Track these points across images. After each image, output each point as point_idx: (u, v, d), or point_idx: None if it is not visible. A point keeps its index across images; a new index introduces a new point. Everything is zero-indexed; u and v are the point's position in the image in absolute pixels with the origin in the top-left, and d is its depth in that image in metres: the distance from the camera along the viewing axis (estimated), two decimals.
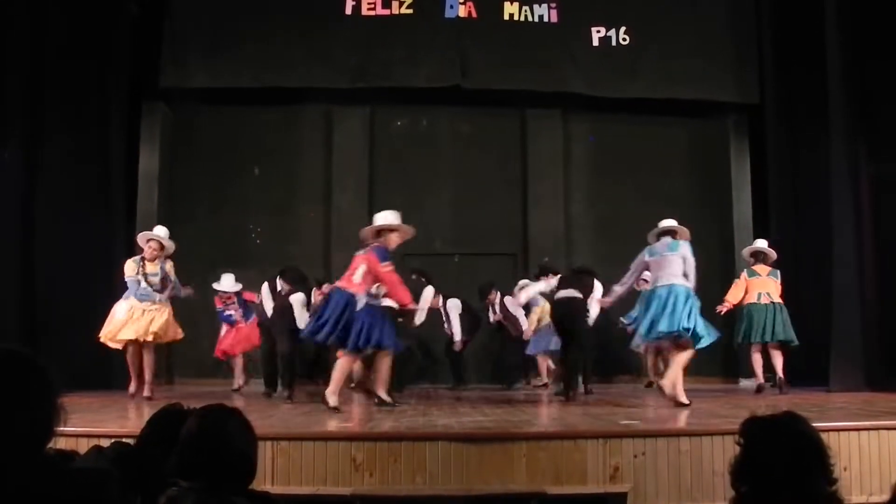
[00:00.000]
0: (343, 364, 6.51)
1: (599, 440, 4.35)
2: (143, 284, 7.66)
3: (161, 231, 8.04)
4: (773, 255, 8.68)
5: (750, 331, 8.37)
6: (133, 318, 7.54)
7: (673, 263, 6.57)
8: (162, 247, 7.82)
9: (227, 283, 9.25)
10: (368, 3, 10.61)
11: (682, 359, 6.56)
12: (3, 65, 8.55)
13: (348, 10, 10.61)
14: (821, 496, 2.03)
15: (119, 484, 1.62)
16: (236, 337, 9.30)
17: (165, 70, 10.40)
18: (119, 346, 7.69)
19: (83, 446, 2.93)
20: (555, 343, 8.44)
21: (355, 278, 6.45)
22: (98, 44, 9.50)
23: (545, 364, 9.68)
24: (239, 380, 9.41)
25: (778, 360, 8.36)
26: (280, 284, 8.40)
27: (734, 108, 11.26)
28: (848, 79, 8.69)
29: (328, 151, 11.21)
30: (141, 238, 7.99)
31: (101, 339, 7.63)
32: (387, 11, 10.61)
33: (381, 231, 6.64)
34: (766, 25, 10.46)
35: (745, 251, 8.95)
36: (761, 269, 8.56)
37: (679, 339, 6.53)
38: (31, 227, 8.67)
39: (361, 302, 6.37)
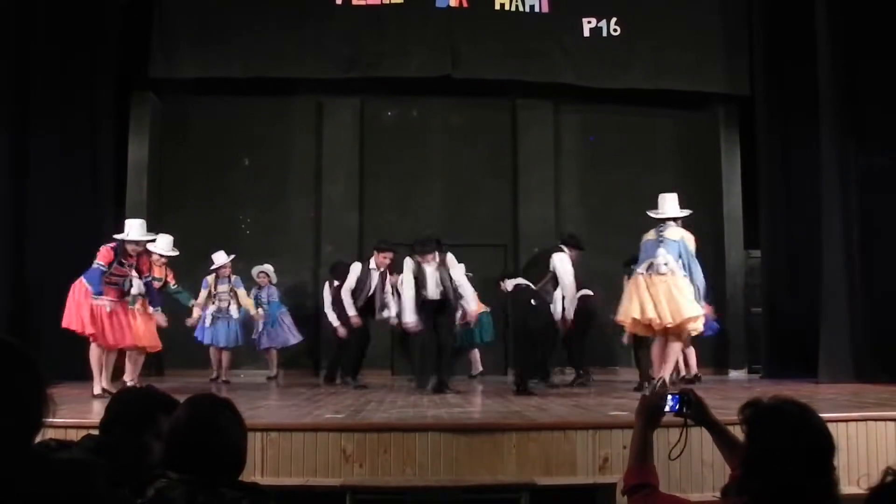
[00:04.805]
0: None
1: (589, 431, 4.36)
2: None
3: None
4: None
5: None
6: None
7: None
8: None
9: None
10: None
11: None
12: None
13: (339, 0, 10.56)
14: (828, 493, 1.93)
15: (106, 475, 1.61)
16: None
17: (155, 60, 10.32)
18: None
19: (71, 438, 2.92)
20: None
21: None
22: (87, 33, 9.42)
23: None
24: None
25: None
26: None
27: (725, 100, 11.25)
28: (838, 71, 8.70)
29: (318, 142, 11.17)
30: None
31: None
32: (377, 1, 10.55)
33: None
34: (758, 17, 10.46)
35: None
36: None
37: None
38: (19, 218, 8.61)
39: None
